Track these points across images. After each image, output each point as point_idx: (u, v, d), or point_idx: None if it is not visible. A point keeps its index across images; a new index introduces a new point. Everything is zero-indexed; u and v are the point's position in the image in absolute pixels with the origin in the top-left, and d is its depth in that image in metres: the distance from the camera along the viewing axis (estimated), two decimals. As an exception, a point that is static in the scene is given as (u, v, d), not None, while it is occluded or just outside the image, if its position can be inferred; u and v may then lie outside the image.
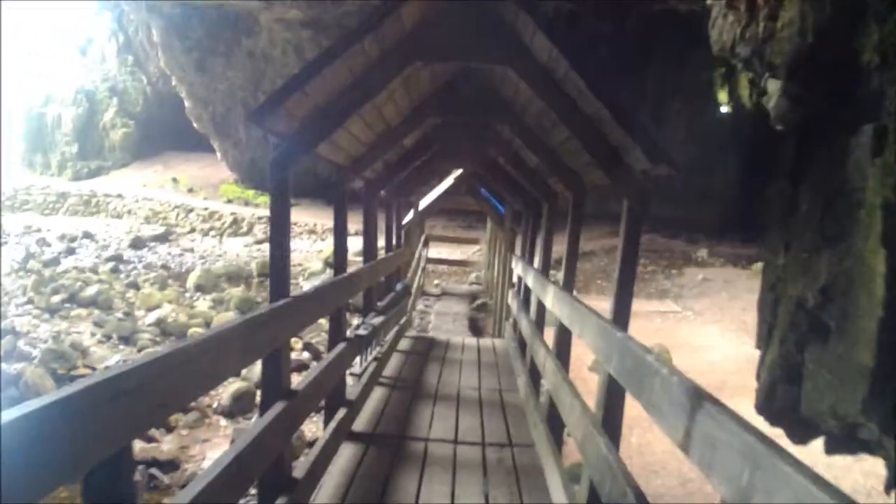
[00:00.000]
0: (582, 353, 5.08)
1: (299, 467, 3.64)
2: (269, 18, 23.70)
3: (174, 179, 34.04)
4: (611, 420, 2.98)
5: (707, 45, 4.09)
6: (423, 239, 14.85)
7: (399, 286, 7.80)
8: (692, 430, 1.76)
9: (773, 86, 3.24)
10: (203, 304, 14.53)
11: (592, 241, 18.82)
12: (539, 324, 5.81)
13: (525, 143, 5.46)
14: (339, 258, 5.04)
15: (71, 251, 21.90)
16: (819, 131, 2.59)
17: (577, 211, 4.94)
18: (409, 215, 11.04)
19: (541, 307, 5.74)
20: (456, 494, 3.93)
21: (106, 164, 38.08)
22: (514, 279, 8.41)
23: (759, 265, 16.00)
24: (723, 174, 22.50)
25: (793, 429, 2.74)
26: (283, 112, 3.30)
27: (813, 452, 2.80)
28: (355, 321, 6.12)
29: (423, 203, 12.56)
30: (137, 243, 24.02)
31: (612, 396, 2.94)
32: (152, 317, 12.46)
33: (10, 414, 1.26)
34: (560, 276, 5.16)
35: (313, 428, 7.10)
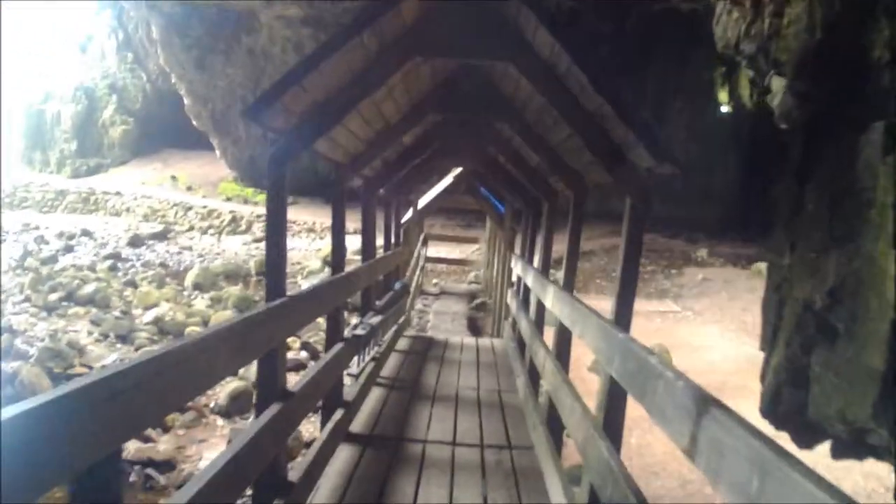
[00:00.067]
0: (581, 353, 5.04)
1: (296, 469, 3.60)
2: (269, 16, 23.68)
3: (173, 177, 34.01)
4: (612, 423, 2.92)
5: (708, 44, 4.05)
6: (422, 238, 14.81)
7: (397, 285, 7.75)
8: (698, 435, 1.72)
9: (778, 83, 3.19)
10: (201, 302, 14.48)
11: (592, 241, 18.78)
12: (538, 324, 5.76)
13: (525, 141, 5.41)
14: (337, 257, 4.98)
15: (69, 249, 21.82)
16: (826, 129, 2.53)
17: (577, 210, 4.89)
18: (408, 214, 11.00)
19: (540, 307, 5.69)
20: (454, 497, 3.88)
21: (105, 162, 38.04)
22: (514, 278, 8.36)
23: (758, 265, 15.99)
24: (723, 173, 22.48)
25: (798, 433, 2.69)
26: (280, 107, 3.24)
27: (812, 453, 2.75)
28: (354, 320, 6.07)
29: (423, 202, 12.53)
30: (136, 241, 23.95)
31: (614, 399, 2.89)
32: (150, 315, 12.39)
33: (9, 411, 1.26)
34: (559, 275, 5.11)
35: (311, 428, 7.04)
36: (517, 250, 9.10)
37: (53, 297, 13.41)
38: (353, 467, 4.21)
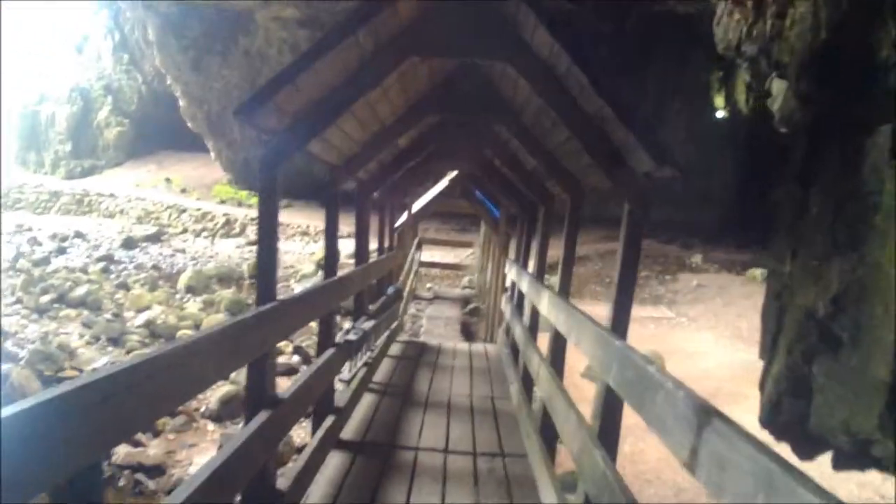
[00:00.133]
0: (575, 358, 4.98)
1: (286, 476, 3.54)
2: (265, 17, 23.66)
3: (167, 179, 33.92)
4: (608, 432, 2.87)
5: (707, 45, 3.99)
6: (416, 242, 14.76)
7: (391, 290, 7.69)
8: (699, 448, 1.67)
9: (779, 86, 3.14)
10: (193, 305, 14.37)
11: (587, 245, 18.76)
12: (533, 330, 5.71)
13: (523, 143, 5.35)
14: (329, 261, 4.92)
15: (62, 251, 21.69)
16: (830, 132, 2.48)
17: (574, 214, 4.84)
18: (403, 217, 10.95)
19: (535, 313, 5.63)
20: None
21: (99, 163, 37.93)
22: (508, 284, 8.30)
23: (753, 271, 15.99)
24: (722, 176, 22.45)
25: (799, 444, 2.63)
26: (272, 107, 3.18)
27: (810, 462, 2.69)
28: (346, 325, 6.01)
29: (417, 205, 12.49)
30: (129, 243, 23.81)
31: (610, 408, 2.84)
32: (142, 318, 12.29)
33: (6, 411, 1.28)
34: (553, 280, 5.05)
35: (302, 433, 6.96)
36: (511, 255, 9.05)
37: (45, 298, 13.31)
38: (343, 475, 4.15)
